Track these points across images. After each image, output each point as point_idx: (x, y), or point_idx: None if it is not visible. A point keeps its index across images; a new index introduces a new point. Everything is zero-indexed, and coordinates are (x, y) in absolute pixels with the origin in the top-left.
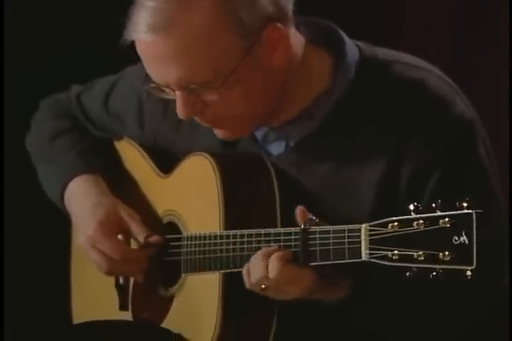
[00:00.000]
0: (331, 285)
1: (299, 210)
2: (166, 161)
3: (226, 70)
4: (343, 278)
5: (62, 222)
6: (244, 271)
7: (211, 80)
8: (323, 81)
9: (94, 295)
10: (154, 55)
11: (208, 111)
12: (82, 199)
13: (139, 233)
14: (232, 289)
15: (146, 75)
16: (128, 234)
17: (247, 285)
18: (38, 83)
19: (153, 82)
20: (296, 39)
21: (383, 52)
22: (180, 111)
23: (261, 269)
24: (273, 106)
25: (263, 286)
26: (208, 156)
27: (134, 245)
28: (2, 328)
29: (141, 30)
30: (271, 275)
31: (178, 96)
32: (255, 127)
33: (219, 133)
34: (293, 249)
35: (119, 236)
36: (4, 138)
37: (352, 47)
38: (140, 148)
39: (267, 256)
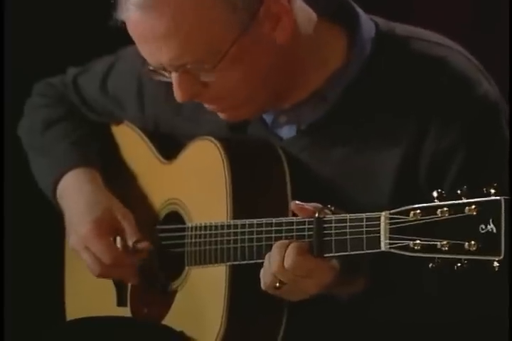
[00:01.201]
0: (346, 278)
1: (294, 206)
2: (168, 146)
3: (221, 48)
4: (360, 271)
5: (56, 215)
6: (262, 273)
7: (205, 59)
8: (336, 59)
9: (89, 290)
10: (144, 34)
11: (207, 93)
12: (75, 196)
13: (129, 237)
14: (240, 283)
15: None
16: (122, 236)
17: (263, 285)
18: (33, 67)
19: (149, 65)
20: (304, 14)
21: (401, 28)
22: (177, 93)
23: (277, 262)
24: (280, 88)
25: (277, 284)
26: (215, 141)
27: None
28: (2, 327)
29: (130, 8)
30: (286, 264)
31: (174, 78)
32: (263, 110)
33: (221, 115)
34: (306, 240)
35: (118, 239)
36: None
37: (368, 23)
38: (141, 133)
39: (284, 248)
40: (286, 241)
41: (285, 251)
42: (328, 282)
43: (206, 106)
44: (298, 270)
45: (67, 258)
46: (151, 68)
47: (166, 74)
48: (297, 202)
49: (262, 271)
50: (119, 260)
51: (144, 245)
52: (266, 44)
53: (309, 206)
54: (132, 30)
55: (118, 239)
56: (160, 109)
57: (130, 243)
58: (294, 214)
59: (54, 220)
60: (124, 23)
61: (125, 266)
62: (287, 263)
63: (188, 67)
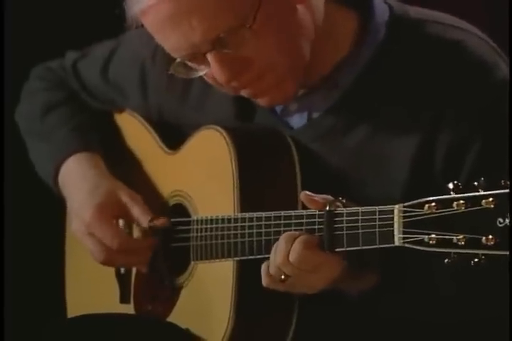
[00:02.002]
0: (358, 273)
1: (303, 196)
2: (173, 136)
3: (248, 11)
4: (372, 266)
5: (55, 206)
6: (264, 266)
7: (237, 24)
8: (347, 43)
9: (91, 286)
10: (169, 15)
11: (248, 71)
12: (77, 181)
13: (142, 216)
14: (248, 279)
15: (155, 55)
16: (129, 219)
17: (264, 282)
18: (32, 51)
19: (173, 59)
20: None
21: (417, 11)
22: (219, 74)
23: (282, 253)
24: (309, 57)
25: (283, 277)
26: (221, 130)
27: (136, 232)
28: (2, 322)
29: None
30: (291, 258)
31: (212, 58)
32: (298, 89)
33: (263, 100)
34: (317, 234)
35: (120, 222)
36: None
37: (381, 6)
38: (144, 122)
39: (291, 241)
40: (296, 232)
41: (292, 244)
42: (335, 277)
43: (245, 93)
44: (303, 264)
45: (67, 252)
46: (178, 61)
47: (197, 66)
48: (307, 192)
49: (263, 265)
50: (128, 245)
51: (161, 221)
52: (288, 6)
53: (320, 198)
54: (153, 18)
55: (121, 221)
56: (164, 98)
57: (144, 222)
58: (304, 207)
59: (54, 210)
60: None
61: (134, 252)
62: (292, 256)
63: (224, 40)
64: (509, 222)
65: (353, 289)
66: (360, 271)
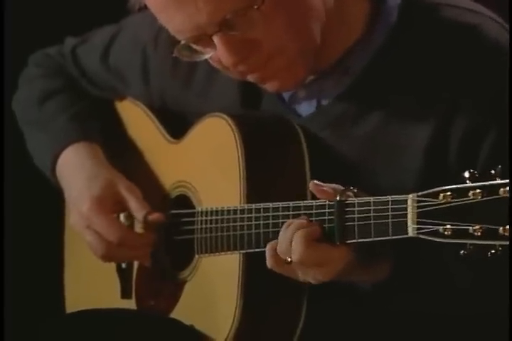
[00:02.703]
0: (368, 265)
1: (312, 186)
2: (176, 124)
3: None
4: (384, 258)
5: (54, 198)
6: (269, 245)
7: (245, 5)
8: (360, 28)
9: (90, 281)
10: None
11: (256, 54)
12: (75, 172)
13: (138, 210)
14: (255, 273)
15: (157, 38)
16: (129, 213)
17: (269, 263)
18: (32, 38)
19: (178, 41)
20: None
21: None
22: (226, 57)
23: (287, 243)
24: (319, 40)
25: (289, 259)
26: (227, 118)
27: (138, 225)
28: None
29: None
30: (294, 256)
31: (218, 40)
32: (308, 74)
33: (271, 85)
34: (327, 225)
35: (121, 215)
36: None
37: None
38: (146, 109)
39: (290, 234)
40: (295, 222)
41: (292, 238)
42: (340, 270)
43: (253, 77)
44: (306, 262)
45: (66, 245)
46: (183, 43)
47: (202, 48)
48: (316, 181)
49: (268, 245)
50: (128, 239)
51: (156, 216)
52: None
53: (330, 188)
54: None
55: (122, 215)
56: (167, 84)
57: (139, 216)
58: (314, 198)
59: (53, 203)
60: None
61: (134, 246)
62: (294, 256)
63: (231, 22)
64: None
65: (365, 281)
66: (370, 262)
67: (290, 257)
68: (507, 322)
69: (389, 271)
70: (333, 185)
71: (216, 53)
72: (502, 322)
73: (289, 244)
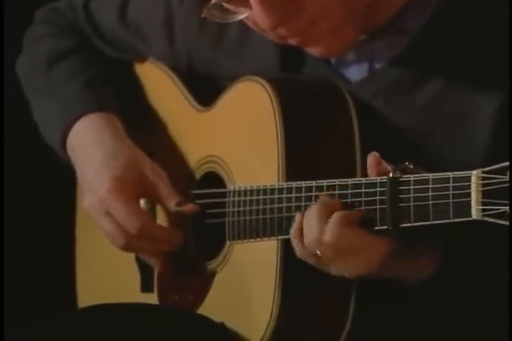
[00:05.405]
0: (415, 256)
1: (371, 158)
2: (205, 90)
3: None
4: (434, 246)
5: (64, 178)
6: (293, 231)
7: None
8: None
9: (106, 272)
10: None
11: (298, 16)
12: (91, 148)
13: (169, 198)
14: (295, 263)
15: None
16: (153, 199)
17: (298, 252)
18: None
19: (207, 0)
20: None
21: None
22: (263, 19)
23: (314, 232)
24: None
25: (318, 252)
26: (264, 82)
27: (161, 215)
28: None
29: None
30: (326, 239)
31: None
32: (358, 37)
33: (316, 50)
34: (378, 206)
35: (141, 202)
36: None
37: None
38: (170, 73)
39: (325, 215)
40: (332, 202)
41: (326, 221)
42: (380, 261)
43: (294, 41)
44: (338, 245)
45: (78, 233)
46: (213, 2)
47: (235, 8)
48: (377, 154)
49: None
50: (147, 231)
51: (190, 208)
52: None
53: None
54: None
55: (142, 201)
56: (194, 42)
57: (171, 205)
58: (363, 175)
59: (62, 183)
60: None
61: (158, 240)
62: (327, 238)
63: None
64: None
65: (410, 277)
66: (417, 253)
67: (319, 250)
68: None
69: (437, 264)
70: (385, 164)
71: (252, 14)
72: None
73: (320, 235)
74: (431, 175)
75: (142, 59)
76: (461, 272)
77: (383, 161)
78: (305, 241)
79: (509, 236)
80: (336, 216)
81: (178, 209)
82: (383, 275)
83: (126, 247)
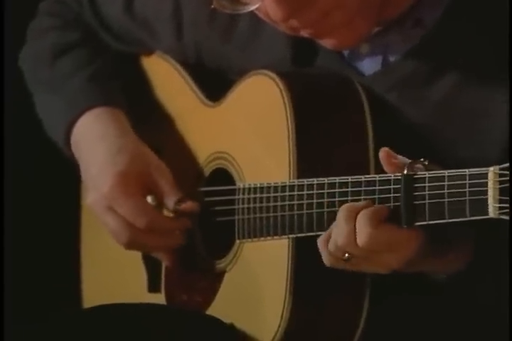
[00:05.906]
0: (441, 253)
1: (381, 154)
2: (214, 84)
3: None
4: (460, 243)
5: (68, 174)
6: (320, 240)
7: None
8: None
9: (111, 271)
10: None
11: (311, 8)
12: (95, 143)
13: (169, 195)
14: (306, 261)
15: None
16: (158, 195)
17: (326, 261)
18: None
19: None
20: None
21: None
22: (275, 10)
23: (345, 234)
24: None
25: (346, 256)
26: (275, 76)
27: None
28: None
29: None
30: (360, 241)
31: None
32: (372, 28)
33: (329, 42)
34: (392, 204)
35: (149, 199)
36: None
37: None
38: (178, 66)
39: (354, 214)
40: (356, 204)
41: (355, 222)
42: (411, 254)
43: (306, 33)
44: (374, 246)
45: (83, 230)
46: None
47: None
48: (388, 149)
49: (319, 240)
50: (155, 224)
51: (189, 206)
52: None
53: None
54: None
55: (149, 198)
56: (203, 36)
57: (170, 203)
58: (377, 171)
59: (66, 179)
60: None
61: (165, 233)
62: (361, 240)
63: None
64: None
65: (438, 272)
66: (446, 248)
67: (347, 253)
68: None
69: (465, 259)
70: (400, 157)
71: (263, 4)
72: None
73: (352, 234)
74: (446, 172)
75: (149, 52)
76: (495, 268)
77: (397, 155)
78: (332, 244)
79: (509, 236)
80: (364, 217)
81: (178, 207)
82: (411, 269)
83: (130, 244)
